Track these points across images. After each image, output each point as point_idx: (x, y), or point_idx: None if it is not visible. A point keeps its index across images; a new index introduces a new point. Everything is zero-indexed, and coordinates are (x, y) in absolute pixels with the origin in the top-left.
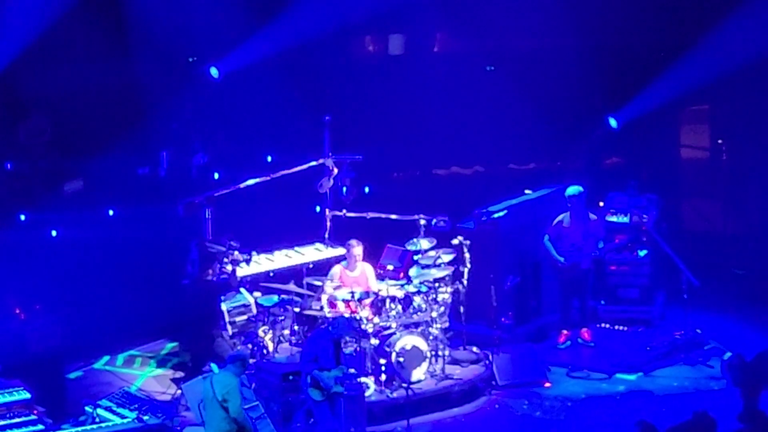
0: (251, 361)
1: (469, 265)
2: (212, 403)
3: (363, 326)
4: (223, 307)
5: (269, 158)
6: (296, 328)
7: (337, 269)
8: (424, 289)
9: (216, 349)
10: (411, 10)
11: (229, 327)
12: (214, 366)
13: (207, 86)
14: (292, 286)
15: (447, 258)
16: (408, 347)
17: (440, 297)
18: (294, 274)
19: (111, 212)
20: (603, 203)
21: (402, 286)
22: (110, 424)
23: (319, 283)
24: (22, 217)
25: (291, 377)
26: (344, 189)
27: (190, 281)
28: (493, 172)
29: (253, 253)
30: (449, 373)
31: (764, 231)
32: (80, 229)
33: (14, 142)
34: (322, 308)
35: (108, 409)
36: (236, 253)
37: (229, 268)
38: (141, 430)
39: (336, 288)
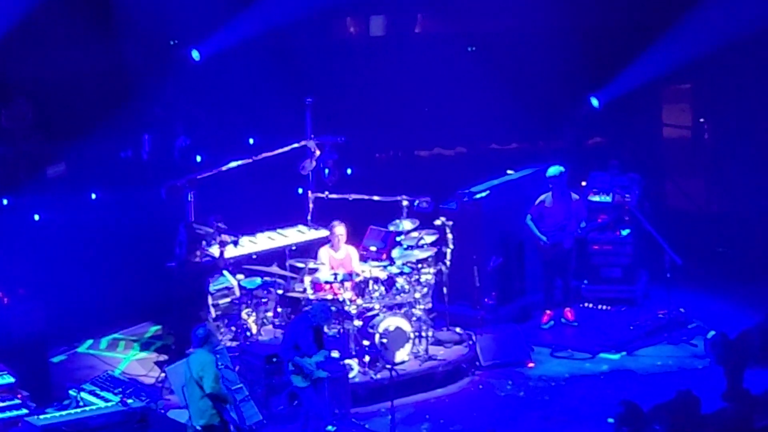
0: (235, 344)
1: (452, 246)
2: (190, 382)
3: (346, 308)
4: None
5: (251, 140)
6: (279, 310)
7: (323, 252)
8: (407, 270)
9: None
10: None
11: (212, 309)
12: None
13: (189, 69)
14: (275, 269)
15: (430, 239)
16: (391, 328)
17: (423, 278)
18: (277, 256)
19: (94, 196)
20: (585, 183)
21: (385, 267)
22: (94, 407)
23: (302, 265)
24: (5, 201)
25: (275, 359)
26: (326, 171)
27: (178, 263)
28: (476, 152)
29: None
30: (433, 354)
31: (747, 209)
32: (63, 213)
33: None
34: (305, 290)
35: (92, 392)
36: (223, 234)
37: (216, 249)
38: (125, 413)
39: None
